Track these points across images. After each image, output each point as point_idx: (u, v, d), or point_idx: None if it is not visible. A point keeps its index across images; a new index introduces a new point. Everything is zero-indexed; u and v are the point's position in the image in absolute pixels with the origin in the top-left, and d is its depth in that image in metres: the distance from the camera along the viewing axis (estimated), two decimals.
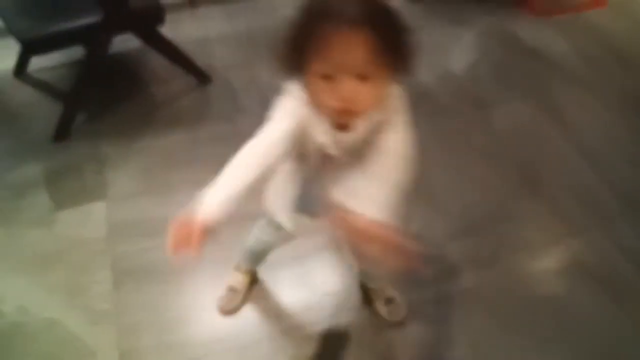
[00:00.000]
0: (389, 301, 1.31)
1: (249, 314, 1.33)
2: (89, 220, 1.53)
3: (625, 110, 1.95)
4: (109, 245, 1.45)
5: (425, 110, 1.94)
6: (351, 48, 0.68)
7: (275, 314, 1.34)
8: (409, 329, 1.29)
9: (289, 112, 0.80)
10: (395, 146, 0.81)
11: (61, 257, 1.43)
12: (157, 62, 2.11)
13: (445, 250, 1.46)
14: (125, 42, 1.98)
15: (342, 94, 0.71)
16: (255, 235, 1.18)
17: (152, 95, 2.04)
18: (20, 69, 2.11)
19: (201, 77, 2.06)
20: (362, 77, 0.70)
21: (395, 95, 0.81)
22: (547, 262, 1.46)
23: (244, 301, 1.33)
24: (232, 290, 1.31)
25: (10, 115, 1.93)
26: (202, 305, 1.34)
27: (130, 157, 1.74)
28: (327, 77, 0.71)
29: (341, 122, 0.79)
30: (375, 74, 0.71)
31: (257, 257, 1.27)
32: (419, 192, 1.59)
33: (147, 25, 1.83)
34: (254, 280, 1.36)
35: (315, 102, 0.76)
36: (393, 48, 0.71)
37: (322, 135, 0.81)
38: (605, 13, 2.57)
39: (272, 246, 1.20)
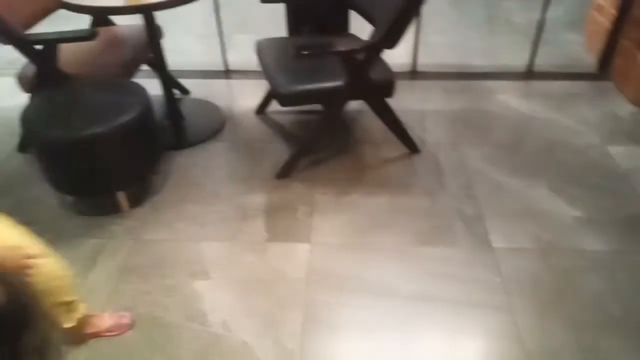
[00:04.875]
0: None
1: None
2: (293, 258, 1.70)
3: None
4: (306, 289, 1.59)
5: None
6: None
7: None
8: None
9: None
10: None
11: (264, 286, 1.61)
12: (372, 124, 2.30)
13: None
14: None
15: None
16: None
17: (364, 155, 2.20)
18: (261, 109, 2.48)
19: (412, 147, 2.17)
20: None
21: None
22: None
23: None
24: None
25: (248, 148, 2.27)
26: None
27: (337, 209, 1.90)
28: None
29: None
30: None
31: None
32: None
33: (380, 96, 2.00)
34: None
35: None
36: None
37: None
38: None
39: None
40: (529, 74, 2.78)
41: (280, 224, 1.84)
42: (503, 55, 3.04)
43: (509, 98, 2.57)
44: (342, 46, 1.91)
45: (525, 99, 2.56)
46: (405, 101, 2.50)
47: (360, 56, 1.84)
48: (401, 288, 1.59)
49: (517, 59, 2.85)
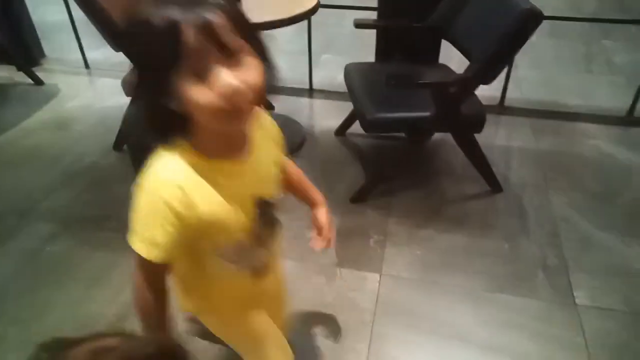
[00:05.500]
0: None
1: None
2: (362, 287, 1.68)
3: None
4: (374, 320, 1.56)
5: None
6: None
7: None
8: None
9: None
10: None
11: (332, 311, 1.59)
12: (454, 155, 2.23)
13: None
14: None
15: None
16: None
17: (443, 188, 2.15)
18: (341, 130, 2.49)
19: (494, 186, 2.08)
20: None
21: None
22: None
23: None
24: None
25: (325, 167, 2.29)
26: None
27: (410, 242, 1.86)
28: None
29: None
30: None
31: None
32: None
33: (468, 131, 1.95)
34: None
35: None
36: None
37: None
38: None
39: None
40: (629, 119, 2.60)
41: (352, 250, 1.83)
42: (600, 96, 2.87)
43: (604, 143, 2.42)
44: (433, 78, 1.88)
45: (623, 146, 2.39)
46: (490, 136, 2.42)
47: (453, 89, 1.80)
48: (472, 334, 1.52)
49: (616, 102, 2.68)
